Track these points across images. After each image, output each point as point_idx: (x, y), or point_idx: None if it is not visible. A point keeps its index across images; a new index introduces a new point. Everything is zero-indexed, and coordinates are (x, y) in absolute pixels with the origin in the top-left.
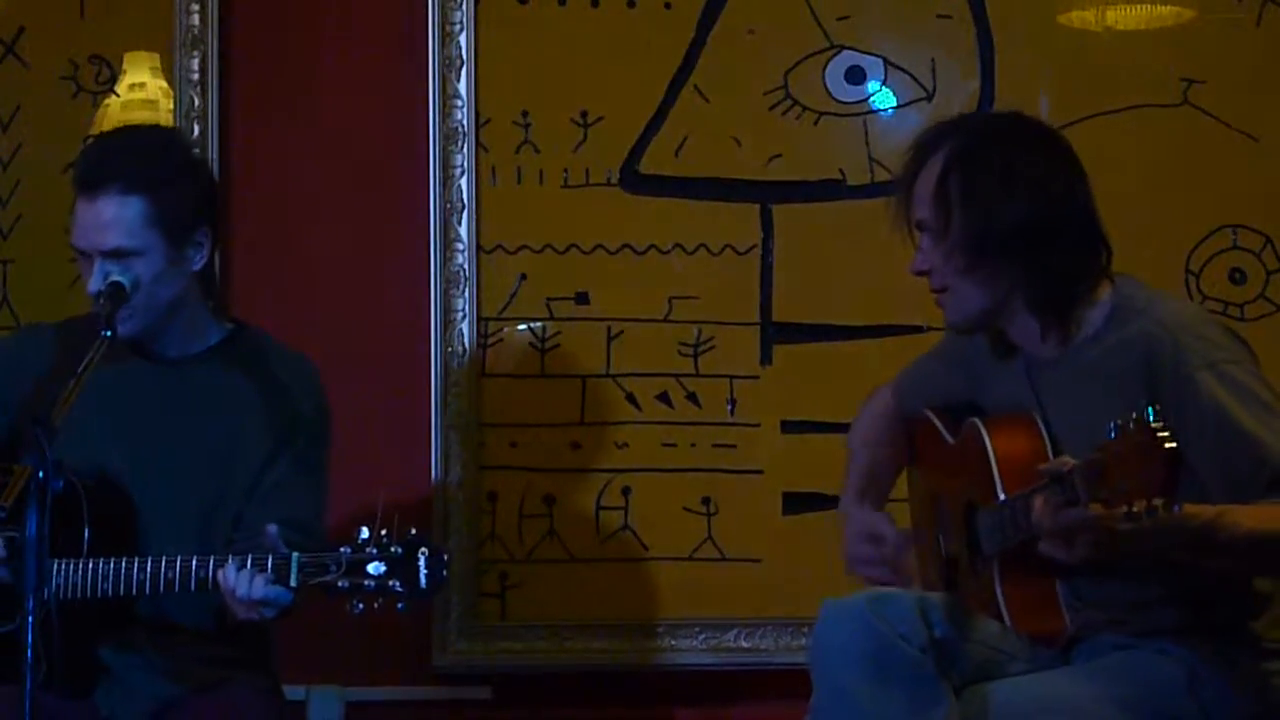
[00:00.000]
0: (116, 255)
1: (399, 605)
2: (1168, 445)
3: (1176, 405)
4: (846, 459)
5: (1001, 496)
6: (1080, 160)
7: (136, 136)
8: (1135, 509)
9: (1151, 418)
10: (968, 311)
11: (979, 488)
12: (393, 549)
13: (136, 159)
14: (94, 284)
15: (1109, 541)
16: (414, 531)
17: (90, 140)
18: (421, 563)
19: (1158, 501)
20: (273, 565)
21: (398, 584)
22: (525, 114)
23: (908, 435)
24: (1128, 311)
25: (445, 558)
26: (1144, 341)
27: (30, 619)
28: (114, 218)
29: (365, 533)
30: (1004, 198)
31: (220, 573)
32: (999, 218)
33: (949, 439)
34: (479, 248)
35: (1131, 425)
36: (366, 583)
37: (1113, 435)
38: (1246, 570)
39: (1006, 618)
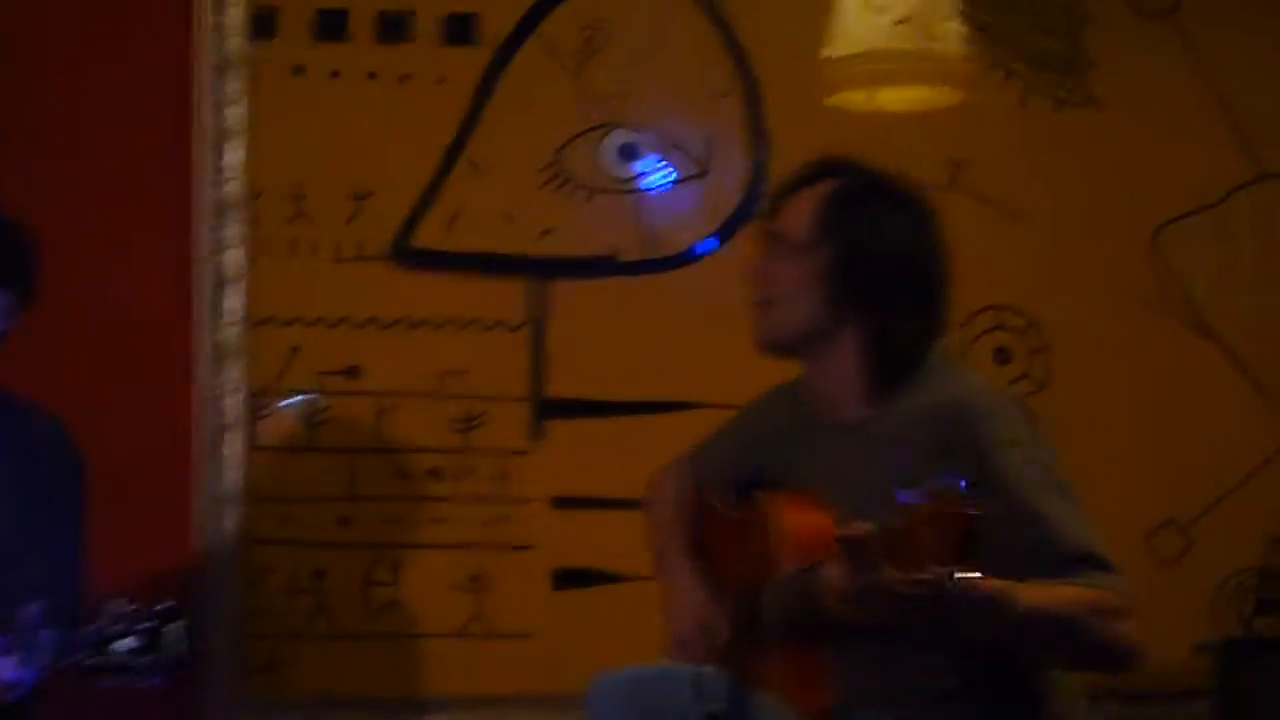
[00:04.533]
0: None
1: (153, 680)
2: (969, 514)
3: (972, 479)
4: (653, 540)
5: (787, 569)
6: None
7: None
8: (930, 577)
9: (957, 486)
10: (788, 328)
11: (762, 562)
12: (143, 624)
13: None
14: None
15: (899, 606)
16: (164, 605)
17: None
18: (172, 637)
19: (953, 572)
20: (20, 645)
21: (149, 660)
22: (299, 186)
23: (695, 520)
24: (927, 381)
25: (193, 630)
26: (945, 412)
27: None
28: None
29: (116, 608)
30: (881, 237)
31: None
32: (870, 254)
33: (732, 516)
34: (250, 320)
35: (934, 493)
36: (117, 659)
37: (914, 501)
38: (1026, 648)
39: (777, 691)
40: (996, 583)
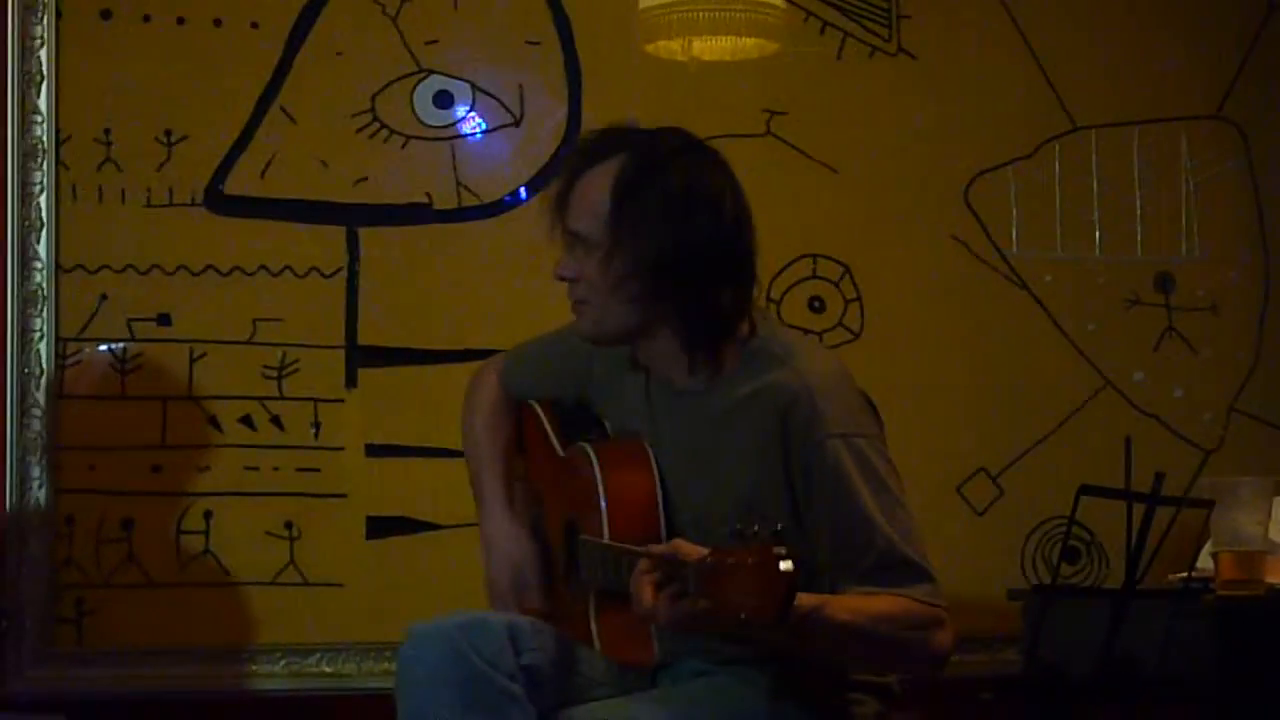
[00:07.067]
0: None
1: None
2: (784, 570)
3: (804, 466)
4: (469, 455)
5: (606, 535)
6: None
7: None
8: (745, 617)
9: (774, 533)
10: (606, 329)
11: (584, 512)
12: None
13: None
14: None
15: (704, 628)
16: None
17: None
18: None
19: (765, 621)
20: None
21: None
22: (108, 131)
23: (515, 422)
24: (766, 356)
25: None
26: (781, 393)
27: None
28: None
29: None
30: (678, 226)
31: None
32: (671, 247)
33: (558, 447)
34: (58, 267)
35: (753, 538)
36: None
37: (732, 540)
38: (842, 659)
39: (598, 644)
40: (812, 599)
